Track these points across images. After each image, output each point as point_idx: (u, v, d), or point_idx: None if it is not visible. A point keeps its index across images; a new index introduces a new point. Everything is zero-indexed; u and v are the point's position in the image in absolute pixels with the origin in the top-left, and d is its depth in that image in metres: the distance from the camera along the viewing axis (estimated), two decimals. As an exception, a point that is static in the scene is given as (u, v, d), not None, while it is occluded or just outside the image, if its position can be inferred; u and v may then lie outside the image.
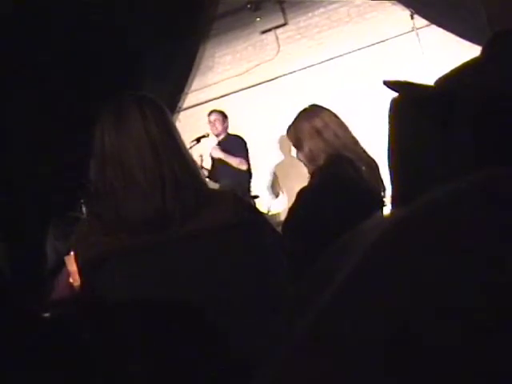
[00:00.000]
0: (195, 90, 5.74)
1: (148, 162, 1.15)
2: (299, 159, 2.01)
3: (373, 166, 1.91)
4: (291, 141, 2.02)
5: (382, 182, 1.90)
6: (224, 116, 4.70)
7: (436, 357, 0.24)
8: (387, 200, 1.90)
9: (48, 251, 2.39)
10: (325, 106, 2.03)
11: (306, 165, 1.97)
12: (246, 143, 4.60)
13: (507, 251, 0.25)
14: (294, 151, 2.07)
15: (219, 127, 4.64)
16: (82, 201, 2.98)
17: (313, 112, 1.96)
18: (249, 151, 4.57)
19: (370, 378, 0.25)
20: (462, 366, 0.23)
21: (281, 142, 5.35)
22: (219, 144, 4.64)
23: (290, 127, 2.02)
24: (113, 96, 1.25)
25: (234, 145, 4.56)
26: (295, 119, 1.99)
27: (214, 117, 4.69)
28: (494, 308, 0.23)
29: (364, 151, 1.93)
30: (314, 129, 1.90)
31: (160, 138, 1.18)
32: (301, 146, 1.95)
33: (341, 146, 1.87)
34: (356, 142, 1.93)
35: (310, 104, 2.04)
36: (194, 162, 1.25)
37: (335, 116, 1.95)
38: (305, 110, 2.00)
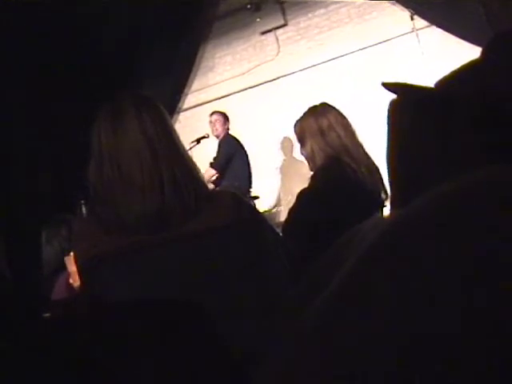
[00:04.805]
0: (195, 91, 5.74)
1: (146, 162, 1.15)
2: (302, 154, 2.03)
3: (373, 169, 1.92)
4: (296, 136, 2.03)
5: (383, 184, 1.91)
6: (225, 117, 4.69)
7: (436, 353, 0.24)
8: (387, 202, 1.90)
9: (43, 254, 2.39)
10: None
11: (307, 161, 1.98)
12: (232, 144, 4.58)
13: (506, 250, 0.25)
14: (294, 152, 2.09)
15: (219, 128, 4.64)
16: (81, 201, 2.98)
17: (321, 111, 1.96)
18: (237, 152, 4.56)
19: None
20: (462, 360, 0.23)
21: (281, 142, 5.35)
22: (219, 145, 4.64)
23: (297, 122, 2.02)
24: (112, 96, 1.25)
25: (221, 147, 4.58)
26: (303, 115, 2.00)
27: (215, 117, 4.69)
28: (494, 306, 0.24)
29: (366, 155, 1.93)
30: (319, 128, 1.91)
31: (157, 137, 1.17)
32: (304, 142, 1.97)
33: (341, 148, 1.88)
34: (359, 146, 1.93)
35: (321, 102, 2.04)
36: (192, 161, 1.25)
37: (342, 117, 1.96)
38: (314, 107, 2.01)
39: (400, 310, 0.26)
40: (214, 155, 4.61)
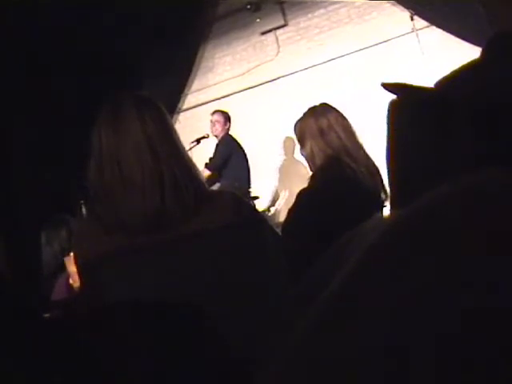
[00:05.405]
0: (195, 91, 5.75)
1: (146, 162, 1.15)
2: (302, 155, 2.02)
3: (373, 169, 1.91)
4: (296, 136, 2.03)
5: (383, 184, 1.90)
6: (226, 118, 4.67)
7: (436, 353, 0.24)
8: (387, 202, 1.90)
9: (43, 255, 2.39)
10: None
11: (307, 161, 1.99)
12: (229, 145, 4.57)
13: (507, 251, 0.25)
14: (294, 152, 2.09)
15: (219, 128, 4.63)
16: (81, 201, 2.98)
17: (321, 111, 1.96)
18: (234, 152, 4.55)
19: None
20: (462, 360, 0.23)
21: (281, 142, 5.35)
22: (216, 145, 4.64)
23: (297, 123, 2.02)
24: (112, 96, 1.25)
25: (218, 148, 4.57)
26: (303, 116, 2.00)
27: (215, 117, 4.67)
28: (494, 307, 0.24)
29: (366, 156, 1.93)
30: (319, 128, 1.91)
31: (158, 137, 1.17)
32: (304, 143, 1.96)
33: (341, 149, 1.88)
34: (359, 146, 1.93)
35: (321, 102, 2.03)
36: (192, 162, 1.25)
37: (343, 118, 1.95)
38: (314, 107, 2.00)
39: (400, 311, 0.26)
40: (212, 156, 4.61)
